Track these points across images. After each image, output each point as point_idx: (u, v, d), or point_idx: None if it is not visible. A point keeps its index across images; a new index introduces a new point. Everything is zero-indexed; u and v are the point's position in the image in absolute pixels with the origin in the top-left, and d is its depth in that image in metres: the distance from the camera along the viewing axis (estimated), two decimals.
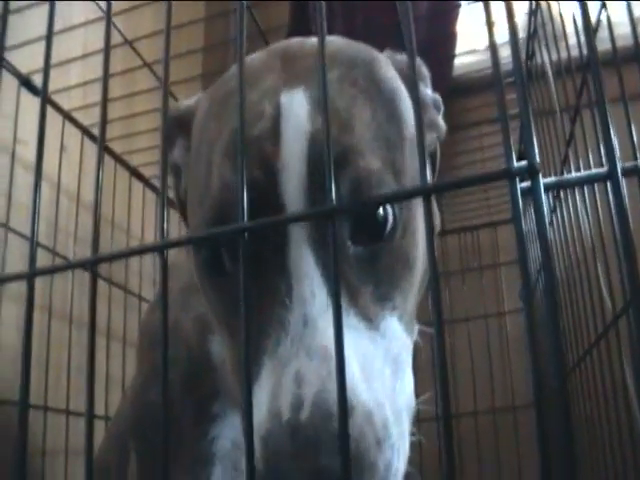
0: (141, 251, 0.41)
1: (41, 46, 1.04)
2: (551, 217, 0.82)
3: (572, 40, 0.90)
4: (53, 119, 1.18)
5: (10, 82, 1.10)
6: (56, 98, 1.18)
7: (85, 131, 1.27)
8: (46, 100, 0.50)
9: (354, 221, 0.47)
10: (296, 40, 0.59)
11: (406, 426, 0.46)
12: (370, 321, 0.46)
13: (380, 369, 0.44)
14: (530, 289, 0.35)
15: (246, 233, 0.37)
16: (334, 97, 0.49)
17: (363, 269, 0.47)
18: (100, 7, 1.07)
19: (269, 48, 0.58)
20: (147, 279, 1.46)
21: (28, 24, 1.00)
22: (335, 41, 0.57)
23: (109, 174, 1.34)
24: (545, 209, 0.38)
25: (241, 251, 0.37)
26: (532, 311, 0.34)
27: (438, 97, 0.68)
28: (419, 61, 0.66)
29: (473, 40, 1.90)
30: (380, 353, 0.45)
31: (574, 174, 0.41)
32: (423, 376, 1.44)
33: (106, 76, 0.51)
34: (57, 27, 1.02)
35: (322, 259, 0.45)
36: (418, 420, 1.52)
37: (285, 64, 0.53)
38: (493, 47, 0.40)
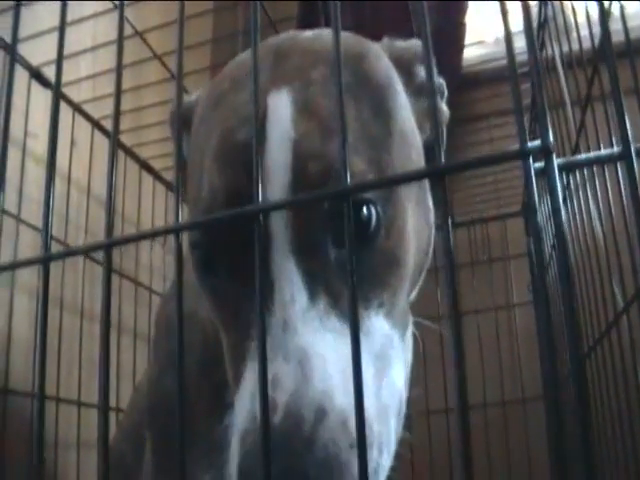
0: (155, 234, 0.41)
1: (51, 38, 1.05)
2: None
3: (582, 32, 0.90)
4: (63, 112, 1.19)
5: (21, 74, 1.10)
6: (66, 90, 1.18)
7: (95, 124, 1.27)
8: (59, 95, 0.50)
9: (336, 223, 0.47)
10: (289, 35, 0.59)
11: (393, 422, 0.47)
12: None
13: (363, 370, 0.45)
14: (543, 270, 0.35)
15: (261, 215, 0.38)
16: (318, 98, 0.50)
17: (345, 270, 0.47)
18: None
19: (264, 43, 0.58)
20: (157, 273, 1.47)
21: (38, 17, 1.00)
22: (323, 36, 0.57)
23: (119, 167, 1.35)
24: (559, 189, 0.38)
25: (256, 233, 0.37)
26: (545, 291, 0.34)
27: (442, 81, 0.68)
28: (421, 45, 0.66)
29: (481, 32, 1.90)
30: (363, 354, 0.45)
31: (586, 154, 0.41)
32: (432, 370, 1.43)
33: (119, 70, 0.51)
34: (67, 19, 1.03)
35: (303, 264, 0.46)
36: (428, 412, 1.52)
37: (276, 62, 0.53)
38: (507, 26, 0.40)
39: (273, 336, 0.44)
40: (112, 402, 1.22)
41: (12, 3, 0.93)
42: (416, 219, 0.54)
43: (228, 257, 0.48)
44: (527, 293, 1.66)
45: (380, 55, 0.59)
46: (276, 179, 0.47)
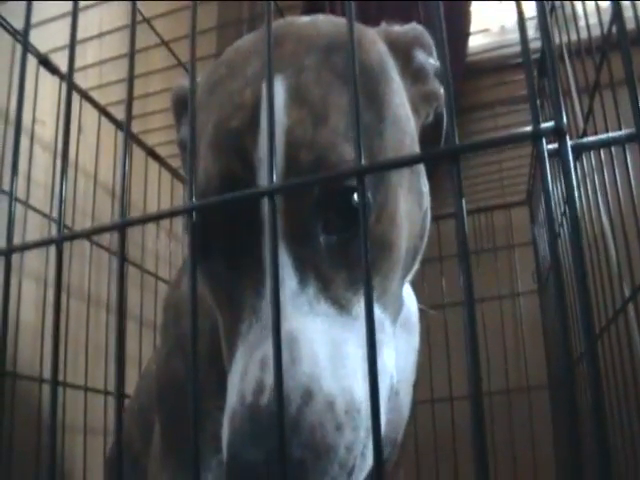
0: (171, 214, 0.42)
1: (58, 25, 1.05)
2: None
3: (587, 20, 0.90)
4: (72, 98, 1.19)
5: (28, 61, 1.10)
6: (76, 77, 1.19)
7: (102, 110, 1.27)
8: (72, 87, 0.50)
9: (326, 210, 0.48)
10: (286, 21, 0.59)
11: (384, 404, 0.48)
12: (342, 306, 0.47)
13: (353, 353, 0.45)
14: (557, 247, 0.35)
15: (275, 195, 0.38)
16: (310, 85, 0.50)
17: (336, 257, 0.48)
18: None
19: (261, 29, 0.58)
20: (163, 260, 1.47)
21: (44, 3, 1.00)
22: (318, 22, 0.57)
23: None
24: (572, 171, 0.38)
25: (271, 213, 0.37)
26: (559, 268, 0.34)
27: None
28: (421, 30, 0.65)
29: (486, 20, 1.90)
30: (352, 337, 0.46)
31: (599, 136, 0.41)
32: (436, 358, 1.44)
33: (131, 62, 0.51)
34: (71, 6, 1.03)
35: (293, 250, 0.47)
36: (433, 400, 1.52)
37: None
38: (520, 11, 0.40)
39: (263, 319, 0.45)
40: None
41: None
42: (408, 204, 0.54)
43: (222, 241, 0.49)
44: (532, 282, 1.66)
45: (375, 40, 0.59)
46: (267, 165, 0.47)
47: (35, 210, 1.07)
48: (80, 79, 1.20)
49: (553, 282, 0.36)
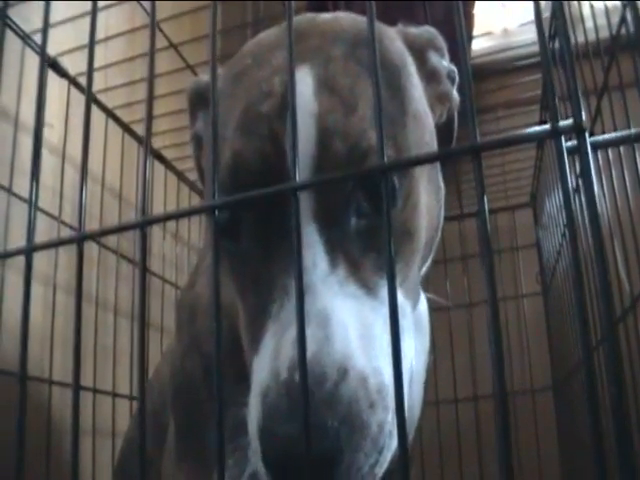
0: (192, 212, 0.42)
1: (66, 28, 1.05)
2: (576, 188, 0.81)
3: (590, 24, 0.90)
4: (78, 102, 1.19)
5: (35, 64, 1.11)
6: (80, 80, 1.19)
7: (109, 113, 1.28)
8: (91, 100, 0.51)
9: (358, 195, 0.49)
10: (308, 16, 0.60)
11: (405, 388, 0.48)
12: (370, 289, 0.48)
13: (380, 335, 0.46)
14: (574, 229, 0.36)
15: (298, 192, 0.38)
16: (338, 75, 0.51)
17: (364, 240, 0.49)
18: None
19: (281, 25, 0.59)
20: (169, 263, 1.48)
21: (52, 6, 1.00)
22: (341, 19, 0.59)
23: (131, 157, 1.35)
24: (592, 169, 0.38)
25: (293, 210, 0.38)
26: (577, 251, 0.35)
27: (454, 68, 0.69)
28: (434, 32, 0.67)
29: (488, 23, 1.90)
30: (379, 320, 0.47)
31: (617, 133, 0.41)
32: (441, 360, 1.43)
33: (151, 77, 0.52)
34: (79, 10, 1.03)
35: (325, 231, 0.48)
36: (438, 402, 1.52)
37: (295, 41, 0.54)
38: (538, 11, 0.40)
39: (294, 299, 0.45)
40: (126, 389, 1.23)
41: None
42: (427, 196, 0.56)
43: (252, 222, 0.50)
44: (536, 283, 1.67)
45: (395, 38, 0.61)
46: (300, 154, 0.48)
47: (44, 212, 1.08)
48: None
49: (572, 271, 0.36)
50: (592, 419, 0.34)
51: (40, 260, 1.07)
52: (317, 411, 0.40)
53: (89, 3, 1.01)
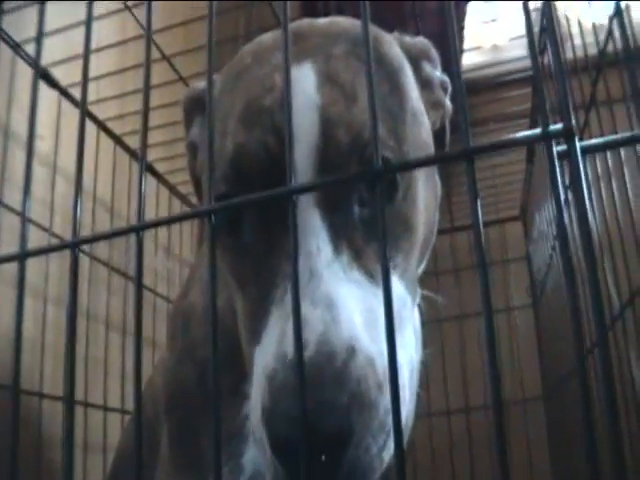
0: (189, 216, 0.42)
1: (57, 38, 1.05)
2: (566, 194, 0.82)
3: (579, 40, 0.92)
4: (70, 113, 1.19)
5: (28, 74, 1.11)
6: (71, 92, 1.19)
7: (101, 125, 1.28)
8: (85, 113, 0.51)
9: (361, 184, 0.50)
10: (306, 21, 0.61)
11: (405, 379, 0.49)
12: (372, 277, 0.48)
13: (383, 322, 0.46)
14: (565, 235, 0.36)
15: (295, 197, 0.38)
16: (340, 71, 0.52)
17: (366, 229, 0.50)
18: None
19: (280, 29, 0.60)
20: (161, 277, 1.48)
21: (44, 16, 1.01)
22: (341, 21, 0.60)
23: (123, 169, 1.35)
24: (582, 173, 0.39)
25: (290, 213, 0.38)
26: (568, 250, 0.35)
27: (446, 79, 0.70)
28: (428, 43, 0.68)
29: (478, 38, 1.93)
30: (382, 307, 0.47)
31: (606, 137, 0.42)
32: (433, 372, 1.44)
33: (147, 93, 0.52)
34: (70, 20, 1.04)
35: (328, 218, 0.48)
36: (430, 414, 1.52)
37: (295, 41, 0.55)
38: (529, 22, 0.41)
39: (300, 283, 0.45)
40: (117, 403, 1.23)
41: (22, 2, 0.95)
42: (425, 192, 0.57)
43: (254, 212, 0.50)
44: (526, 296, 1.68)
45: (393, 42, 0.62)
46: (304, 144, 0.49)
47: (35, 224, 1.07)
48: (78, 94, 1.21)
49: (563, 267, 0.36)
50: (586, 421, 0.34)
51: (30, 272, 1.06)
52: (327, 388, 0.40)
53: (79, 14, 1.02)
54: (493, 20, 1.84)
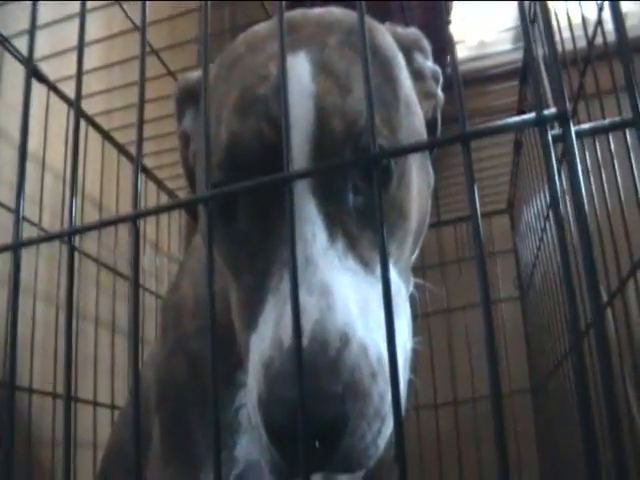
0: (189, 203, 0.42)
1: (47, 33, 1.05)
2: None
3: (567, 33, 0.93)
4: (57, 107, 1.19)
5: (15, 69, 1.10)
6: (59, 86, 1.19)
7: (89, 120, 1.27)
8: (80, 114, 0.51)
9: (355, 171, 0.50)
10: (299, 12, 0.62)
11: (400, 367, 0.48)
12: (367, 265, 0.48)
13: (376, 310, 0.46)
14: (560, 218, 0.37)
15: (291, 183, 0.39)
16: (334, 60, 0.53)
17: (361, 217, 0.50)
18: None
19: (274, 18, 0.61)
20: (149, 273, 1.47)
21: (28, 11, 1.00)
22: (335, 11, 0.61)
23: (112, 165, 1.35)
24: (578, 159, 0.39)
25: (287, 199, 0.38)
26: (563, 231, 0.35)
27: (438, 69, 0.70)
28: (419, 34, 0.69)
29: (463, 33, 1.93)
30: (376, 296, 0.47)
31: (599, 122, 0.42)
32: (421, 366, 1.45)
33: (142, 96, 0.52)
34: (56, 15, 1.03)
35: (323, 205, 0.48)
36: (417, 407, 1.52)
37: (289, 31, 0.56)
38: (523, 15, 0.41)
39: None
40: (107, 399, 1.22)
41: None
42: (418, 179, 0.57)
43: (250, 199, 0.50)
44: (513, 289, 1.69)
45: (385, 33, 0.63)
46: (298, 133, 0.49)
47: (24, 219, 1.06)
48: (67, 88, 1.20)
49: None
50: (582, 405, 0.34)
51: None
52: (322, 376, 0.40)
53: (64, 8, 1.01)
54: (479, 15, 1.85)
